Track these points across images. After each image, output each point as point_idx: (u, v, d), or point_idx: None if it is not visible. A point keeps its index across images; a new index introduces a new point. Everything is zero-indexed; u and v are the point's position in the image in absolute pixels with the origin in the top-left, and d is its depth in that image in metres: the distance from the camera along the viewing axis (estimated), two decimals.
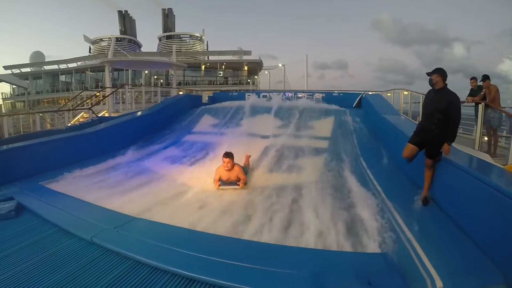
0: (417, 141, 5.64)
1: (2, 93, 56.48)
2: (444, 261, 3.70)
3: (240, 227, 5.06)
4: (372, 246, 4.24)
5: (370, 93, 17.06)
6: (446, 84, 5.40)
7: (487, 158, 5.69)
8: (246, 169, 7.69)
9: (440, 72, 5.32)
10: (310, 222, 5.07)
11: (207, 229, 4.82)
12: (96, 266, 3.53)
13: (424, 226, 4.75)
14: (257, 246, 4.17)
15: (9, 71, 54.07)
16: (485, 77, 8.85)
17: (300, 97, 17.73)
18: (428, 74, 5.43)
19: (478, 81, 9.32)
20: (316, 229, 4.81)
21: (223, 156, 7.03)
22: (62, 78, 56.01)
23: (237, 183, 7.02)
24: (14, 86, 49.75)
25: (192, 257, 3.58)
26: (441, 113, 5.29)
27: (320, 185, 6.89)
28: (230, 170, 7.03)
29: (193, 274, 3.27)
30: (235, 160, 7.18)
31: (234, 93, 20.49)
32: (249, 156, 8.51)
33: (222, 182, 7.12)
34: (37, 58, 59.43)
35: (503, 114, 8.44)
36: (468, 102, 9.34)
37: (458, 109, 5.27)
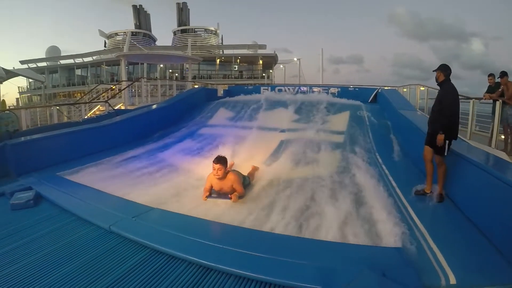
0: (428, 140, 5.66)
1: (19, 87, 57.08)
2: (458, 257, 3.67)
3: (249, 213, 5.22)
4: (386, 240, 4.20)
5: (386, 88, 16.89)
6: (449, 79, 5.49)
7: (504, 156, 5.63)
8: (247, 179, 6.65)
9: (440, 68, 5.53)
10: (326, 215, 5.06)
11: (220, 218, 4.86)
12: (114, 253, 3.56)
13: (439, 223, 4.76)
14: (272, 236, 4.18)
15: (25, 66, 54.66)
16: (503, 74, 8.65)
17: (315, 91, 17.59)
18: (434, 71, 5.62)
19: (496, 77, 9.14)
20: (331, 222, 4.80)
21: (213, 162, 5.92)
22: (78, 72, 56.39)
23: (230, 195, 5.83)
24: (30, 80, 50.28)
25: (209, 247, 3.59)
26: (437, 105, 5.45)
27: (334, 179, 6.86)
28: (222, 178, 5.91)
29: (210, 263, 3.28)
30: (246, 157, 6.89)
31: (250, 87, 20.44)
32: (257, 168, 7.57)
33: (213, 191, 6.08)
34: (53, 53, 59.93)
35: None
36: (485, 99, 9.17)
37: (449, 98, 5.34)
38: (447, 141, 5.31)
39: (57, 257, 3.53)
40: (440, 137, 5.24)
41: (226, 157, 6.15)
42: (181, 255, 3.44)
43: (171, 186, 6.58)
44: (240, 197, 5.92)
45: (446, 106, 5.31)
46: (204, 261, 3.30)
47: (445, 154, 5.38)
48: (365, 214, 5.09)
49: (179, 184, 6.78)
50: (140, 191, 6.15)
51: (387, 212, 5.02)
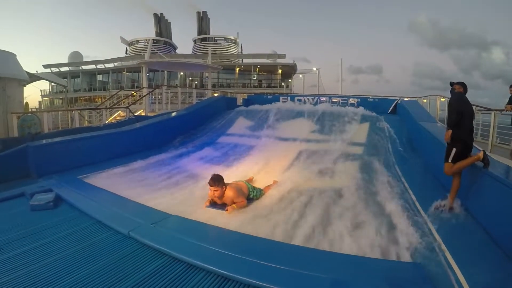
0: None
1: (41, 90, 57.96)
2: (478, 274, 3.58)
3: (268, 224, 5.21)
4: (405, 255, 4.13)
5: (405, 99, 16.81)
6: (460, 91, 5.73)
7: None
8: (257, 191, 6.69)
9: (461, 84, 5.79)
10: (342, 226, 5.01)
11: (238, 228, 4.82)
12: (133, 259, 3.54)
13: (458, 238, 4.63)
14: (289, 248, 4.13)
15: (48, 70, 55.58)
16: None
17: (335, 102, 17.54)
18: (453, 83, 5.88)
19: None
20: (347, 234, 4.77)
21: (208, 183, 5.97)
22: (99, 77, 57.25)
23: (226, 208, 5.89)
24: (53, 84, 50.98)
25: (227, 256, 3.56)
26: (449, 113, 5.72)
27: (354, 191, 6.77)
28: (220, 198, 6.04)
29: (228, 273, 3.23)
30: (264, 167, 6.98)
31: (269, 96, 20.55)
32: (276, 182, 7.40)
33: (212, 204, 6.13)
34: (76, 58, 60.87)
35: None
36: (507, 110, 9.00)
37: (454, 99, 5.69)
38: (454, 149, 5.36)
39: (75, 260, 3.52)
40: (448, 133, 5.37)
41: (244, 167, 6.21)
42: (199, 264, 3.40)
43: (189, 194, 6.63)
44: (242, 206, 6.01)
45: (453, 105, 5.60)
46: (222, 271, 3.26)
47: (449, 160, 5.42)
48: (383, 227, 5.01)
49: (197, 192, 6.80)
50: (159, 198, 6.19)
51: (405, 225, 4.95)
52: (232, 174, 7.92)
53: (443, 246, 4.25)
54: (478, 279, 3.47)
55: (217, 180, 5.93)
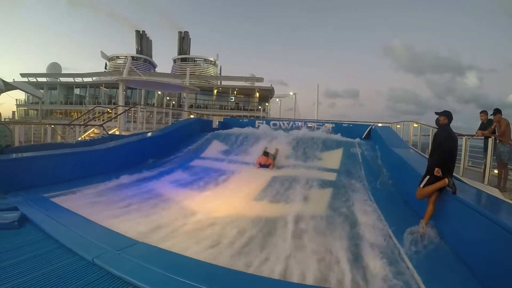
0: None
1: (16, 99, 57.04)
2: None
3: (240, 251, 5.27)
4: (376, 283, 4.20)
5: (379, 124, 17.27)
6: (445, 122, 6.07)
7: (496, 193, 5.71)
8: (275, 157, 12.18)
9: (446, 114, 6.09)
10: (313, 254, 5.08)
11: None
12: None
13: (431, 264, 4.74)
14: (260, 280, 4.05)
15: (25, 79, 54.78)
16: (496, 111, 8.82)
17: (310, 127, 17.87)
18: (438, 114, 6.17)
19: (490, 114, 9.29)
20: (319, 264, 4.79)
21: (262, 154, 11.84)
22: (77, 91, 56.61)
23: (269, 166, 11.61)
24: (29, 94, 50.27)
25: None
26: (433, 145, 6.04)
27: (324, 218, 6.88)
28: (266, 160, 11.69)
29: None
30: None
31: (245, 120, 20.67)
32: (278, 150, 12.83)
33: (261, 165, 11.67)
34: (54, 69, 60.14)
35: None
36: (478, 135, 9.34)
37: (437, 132, 6.11)
38: (428, 176, 5.69)
39: (36, 287, 3.42)
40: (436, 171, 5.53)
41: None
42: None
43: (159, 218, 6.54)
44: (273, 166, 11.61)
45: (434, 141, 5.97)
46: None
47: (421, 185, 5.78)
48: (354, 254, 5.10)
49: (167, 216, 6.73)
50: (127, 222, 6.13)
51: (378, 252, 5.07)
52: (202, 198, 8.08)
53: (416, 275, 4.36)
54: None
55: (267, 154, 11.83)
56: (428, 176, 5.69)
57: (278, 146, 13.20)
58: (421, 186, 5.75)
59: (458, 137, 8.59)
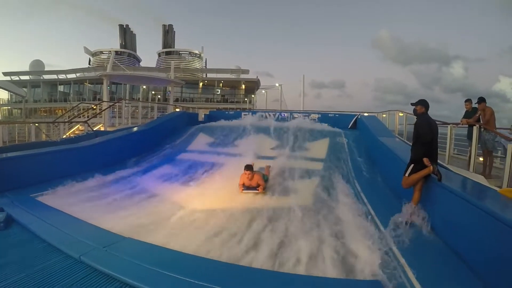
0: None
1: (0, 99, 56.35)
2: None
3: (229, 244, 5.23)
4: (365, 272, 4.22)
5: (365, 114, 17.36)
6: (422, 111, 6.03)
7: (481, 180, 5.80)
8: (266, 177, 9.02)
9: (422, 103, 6.08)
10: (301, 248, 5.04)
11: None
12: (84, 285, 3.46)
13: (418, 252, 4.77)
14: (247, 270, 4.12)
15: (8, 78, 54.05)
16: (481, 100, 8.95)
17: (296, 117, 17.80)
18: (413, 105, 6.18)
19: (474, 103, 9.43)
20: (307, 255, 4.80)
21: (244, 168, 8.34)
22: (61, 88, 55.88)
23: (257, 188, 8.29)
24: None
25: (181, 281, 3.48)
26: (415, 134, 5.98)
27: (312, 209, 6.94)
28: (251, 179, 8.34)
29: None
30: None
31: (231, 112, 20.61)
32: (269, 167, 9.93)
33: (245, 187, 8.40)
34: (37, 67, 59.29)
35: (498, 135, 8.54)
36: (462, 123, 9.53)
37: (416, 122, 6.05)
38: (412, 165, 5.78)
39: (24, 287, 3.43)
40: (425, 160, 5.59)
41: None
42: None
43: (147, 214, 6.55)
44: (264, 188, 8.38)
45: (414, 131, 5.91)
46: None
47: (405, 174, 5.85)
48: (342, 244, 5.14)
49: (155, 212, 6.75)
50: (114, 218, 6.09)
51: (365, 241, 5.08)
52: (190, 191, 8.19)
53: (403, 261, 4.41)
54: None
55: (250, 166, 8.49)
56: (412, 165, 5.77)
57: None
58: (406, 175, 5.82)
59: (443, 125, 8.70)
